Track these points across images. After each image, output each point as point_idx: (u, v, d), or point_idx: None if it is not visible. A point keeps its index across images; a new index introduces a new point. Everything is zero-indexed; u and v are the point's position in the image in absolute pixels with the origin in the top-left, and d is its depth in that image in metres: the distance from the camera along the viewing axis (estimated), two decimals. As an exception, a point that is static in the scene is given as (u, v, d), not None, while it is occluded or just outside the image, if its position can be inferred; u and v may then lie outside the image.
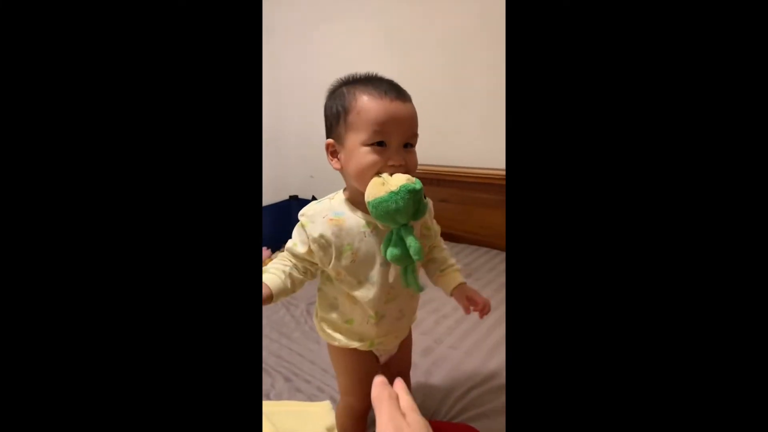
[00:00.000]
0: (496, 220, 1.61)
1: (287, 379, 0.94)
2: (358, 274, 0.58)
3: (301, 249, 0.59)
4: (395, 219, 0.50)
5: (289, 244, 0.61)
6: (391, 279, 0.58)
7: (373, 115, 0.51)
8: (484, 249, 1.58)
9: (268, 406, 0.89)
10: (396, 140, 0.52)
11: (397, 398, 0.35)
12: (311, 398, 0.89)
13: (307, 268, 0.61)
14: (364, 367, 0.67)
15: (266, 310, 1.29)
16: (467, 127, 1.64)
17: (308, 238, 0.58)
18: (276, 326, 1.18)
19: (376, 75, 0.57)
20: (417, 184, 0.50)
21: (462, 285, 0.66)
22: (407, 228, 0.52)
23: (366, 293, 0.58)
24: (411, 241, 0.51)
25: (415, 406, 0.35)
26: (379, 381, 0.37)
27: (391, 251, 0.53)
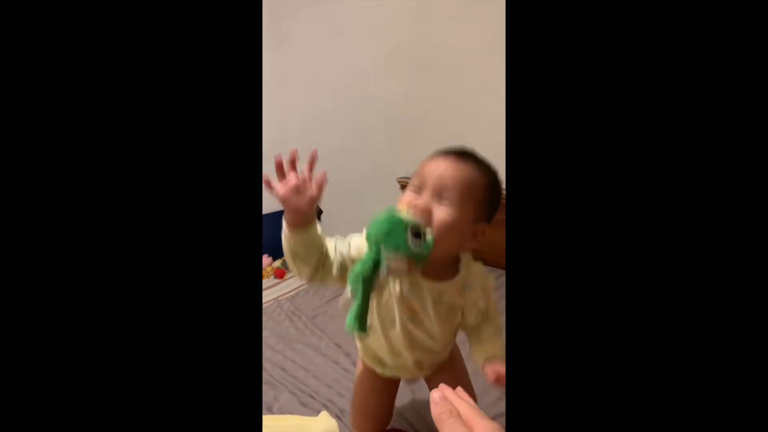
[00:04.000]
0: (497, 237, 1.61)
1: (292, 393, 0.94)
2: (382, 313, 0.60)
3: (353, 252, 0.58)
4: (368, 240, 0.50)
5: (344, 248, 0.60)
6: (411, 329, 0.59)
7: (420, 169, 0.58)
8: (489, 268, 1.58)
9: (269, 420, 0.88)
10: (428, 189, 0.55)
11: (458, 414, 0.33)
12: (317, 414, 0.89)
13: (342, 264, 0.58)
14: (370, 387, 0.72)
15: (270, 320, 1.29)
16: (473, 144, 1.65)
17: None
18: (280, 337, 1.18)
19: (461, 147, 0.62)
20: (408, 218, 0.50)
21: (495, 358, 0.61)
22: (374, 252, 0.49)
23: (388, 332, 0.61)
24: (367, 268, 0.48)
25: (479, 412, 0.33)
26: (437, 397, 0.34)
27: (353, 271, 0.50)
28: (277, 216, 2.22)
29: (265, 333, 1.21)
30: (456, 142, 1.77)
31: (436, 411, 0.33)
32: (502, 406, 0.86)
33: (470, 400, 0.34)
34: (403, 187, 1.87)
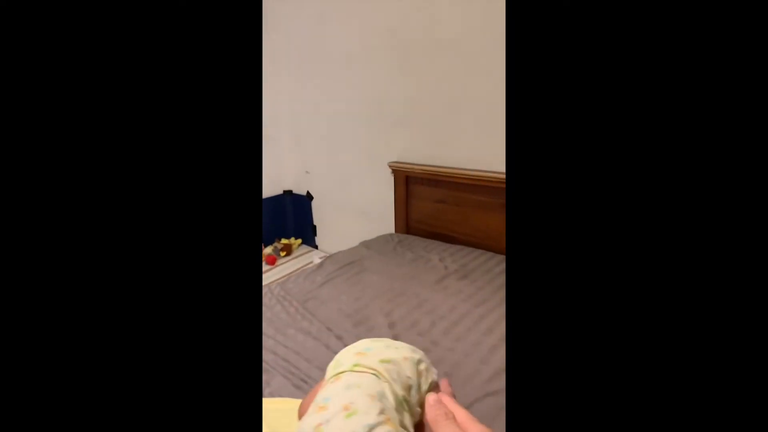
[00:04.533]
0: (492, 223, 1.61)
1: (284, 377, 0.93)
2: None
3: None
4: None
5: None
6: None
7: None
8: (480, 251, 1.58)
9: (262, 403, 0.88)
10: None
11: (453, 417, 0.34)
12: (308, 397, 0.88)
13: None
14: None
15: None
16: (465, 129, 1.64)
17: None
18: (271, 322, 1.17)
19: None
20: None
21: None
22: None
23: None
24: None
25: (472, 417, 0.34)
26: (432, 400, 0.35)
27: None
28: (269, 202, 2.20)
29: (256, 318, 1.20)
30: (448, 125, 1.75)
31: (432, 413, 0.35)
32: (495, 385, 0.87)
33: (463, 409, 0.35)
34: (395, 171, 1.86)
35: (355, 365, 0.64)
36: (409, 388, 0.65)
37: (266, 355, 1.02)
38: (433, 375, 0.71)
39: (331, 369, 0.63)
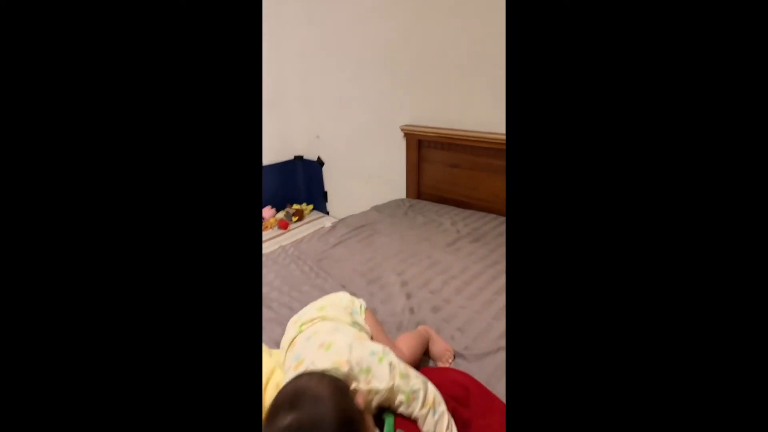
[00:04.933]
0: (499, 186, 1.60)
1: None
2: None
3: None
4: None
5: None
6: None
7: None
8: (492, 215, 1.58)
9: (278, 356, 0.91)
10: None
11: None
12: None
13: None
14: None
15: (275, 265, 1.30)
16: (480, 90, 1.60)
17: None
18: (286, 280, 1.19)
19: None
20: None
21: None
22: None
23: None
24: None
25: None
26: None
27: None
28: (279, 167, 2.19)
29: (270, 276, 1.22)
30: (462, 87, 1.69)
31: None
32: (500, 343, 0.88)
33: None
34: (407, 135, 1.83)
35: (301, 326, 0.72)
36: (351, 314, 0.75)
37: (281, 310, 1.04)
38: (360, 301, 0.84)
39: (284, 347, 0.68)
